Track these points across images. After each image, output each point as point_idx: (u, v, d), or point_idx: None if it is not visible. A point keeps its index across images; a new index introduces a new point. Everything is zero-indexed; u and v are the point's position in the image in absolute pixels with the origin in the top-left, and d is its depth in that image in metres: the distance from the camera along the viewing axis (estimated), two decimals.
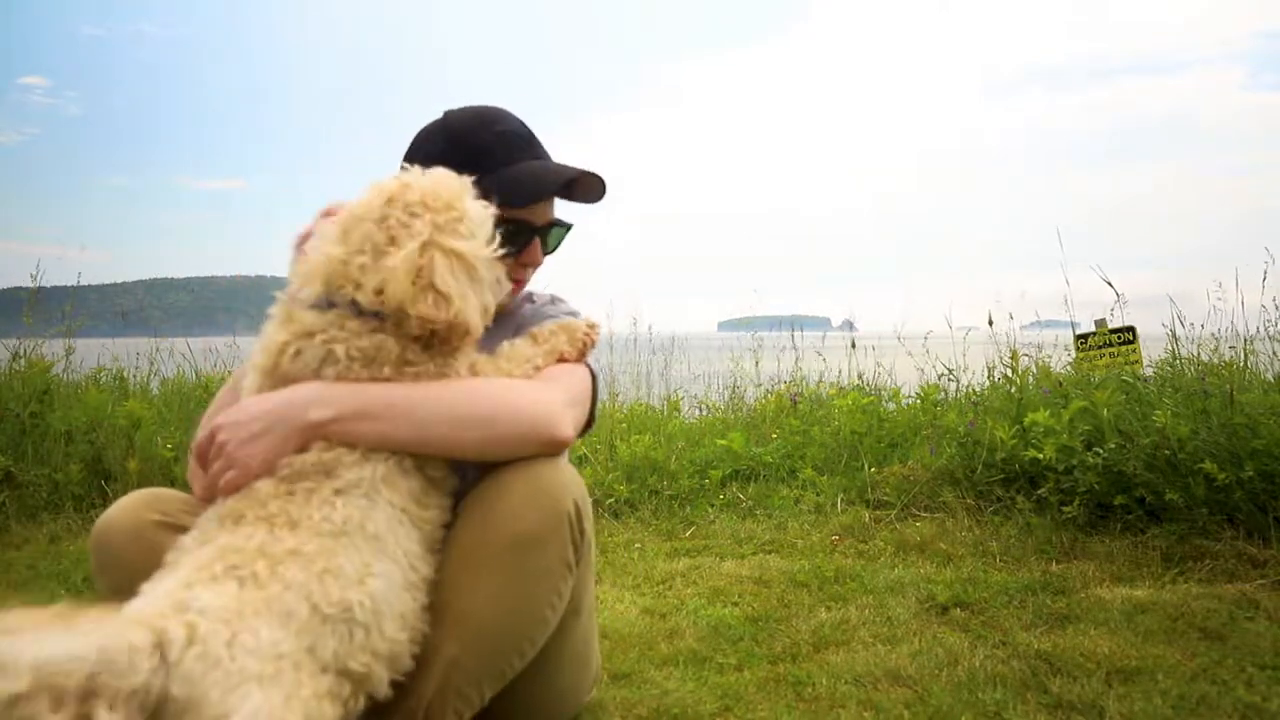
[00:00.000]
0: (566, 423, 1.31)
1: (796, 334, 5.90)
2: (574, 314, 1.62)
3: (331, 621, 1.07)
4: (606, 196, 1.57)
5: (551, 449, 1.30)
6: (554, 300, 1.67)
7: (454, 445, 1.25)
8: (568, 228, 1.60)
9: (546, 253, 1.57)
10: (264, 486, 1.18)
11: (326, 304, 1.24)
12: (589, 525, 1.34)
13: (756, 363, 5.70)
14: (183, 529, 1.28)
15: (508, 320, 1.61)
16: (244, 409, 1.22)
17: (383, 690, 1.15)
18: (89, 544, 1.34)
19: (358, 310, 1.23)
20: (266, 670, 0.98)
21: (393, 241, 1.22)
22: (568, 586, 1.32)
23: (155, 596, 1.04)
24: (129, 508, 1.33)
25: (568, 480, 1.29)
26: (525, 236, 1.51)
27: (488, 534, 1.25)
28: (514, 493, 1.26)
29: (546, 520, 1.26)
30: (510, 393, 1.31)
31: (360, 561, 1.13)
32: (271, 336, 1.26)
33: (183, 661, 0.94)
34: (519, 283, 1.55)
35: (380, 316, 1.24)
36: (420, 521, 1.24)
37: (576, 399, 1.38)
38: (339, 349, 1.22)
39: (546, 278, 1.78)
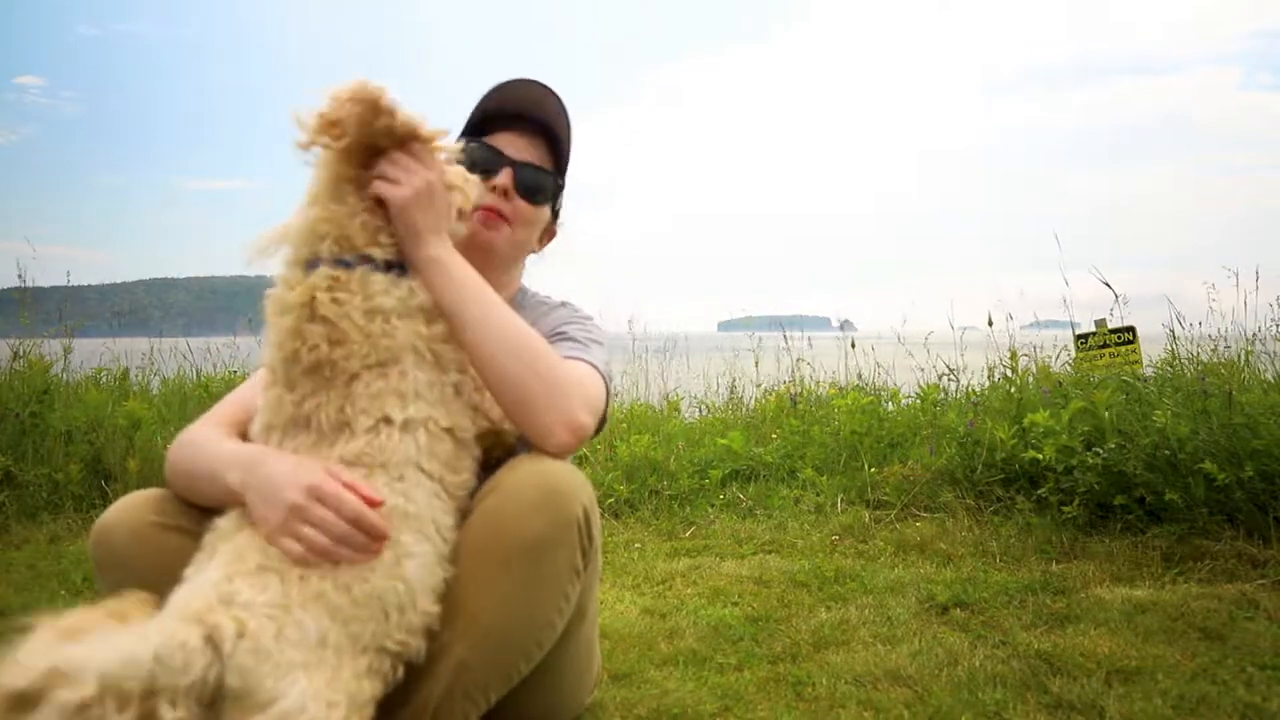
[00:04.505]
0: (587, 415, 1.32)
1: (791, 334, 5.90)
2: (587, 318, 1.63)
3: (369, 608, 1.12)
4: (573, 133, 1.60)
5: (566, 430, 1.29)
6: (564, 304, 1.68)
7: (494, 366, 1.28)
8: (550, 175, 1.60)
9: (527, 195, 1.56)
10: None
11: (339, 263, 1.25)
12: (597, 531, 1.33)
13: (756, 362, 5.69)
14: (181, 530, 1.29)
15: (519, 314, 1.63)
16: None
17: (421, 657, 1.20)
18: (89, 544, 1.34)
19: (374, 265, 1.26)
20: (310, 658, 1.05)
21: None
22: (575, 591, 1.32)
23: (200, 588, 1.08)
24: (129, 508, 1.33)
25: (577, 485, 1.28)
26: (494, 160, 1.55)
27: (497, 537, 1.24)
28: (524, 496, 1.24)
29: (556, 525, 1.25)
30: (563, 361, 1.36)
31: (394, 545, 1.17)
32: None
33: (235, 654, 1.01)
34: (492, 213, 1.54)
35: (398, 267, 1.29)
36: (453, 488, 1.27)
37: (593, 400, 1.39)
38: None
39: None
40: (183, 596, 1.07)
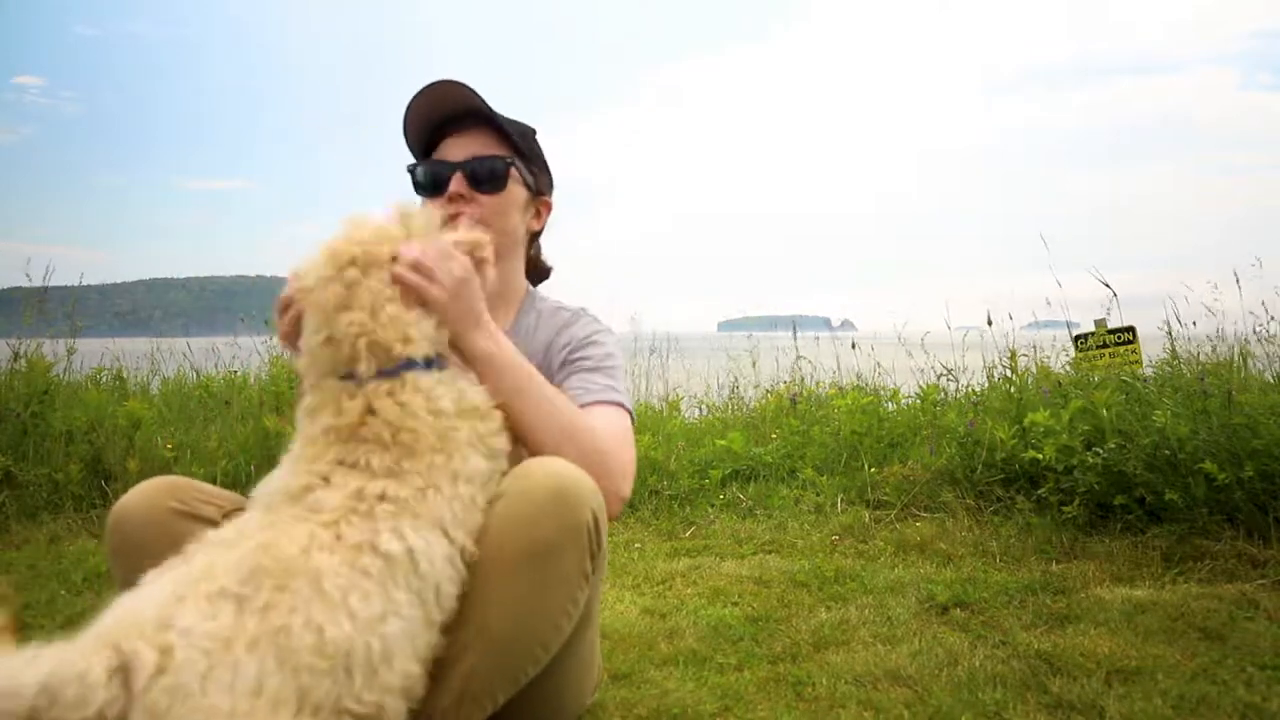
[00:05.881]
0: (627, 483, 1.42)
1: (788, 334, 5.92)
2: (608, 331, 1.62)
3: (331, 660, 0.99)
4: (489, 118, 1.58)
5: (611, 503, 1.37)
6: (582, 310, 1.67)
7: (542, 446, 1.35)
8: (499, 159, 1.57)
9: (482, 187, 1.56)
10: (335, 494, 1.13)
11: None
12: (605, 536, 1.34)
13: (754, 363, 5.70)
14: (199, 518, 1.30)
15: (536, 321, 1.64)
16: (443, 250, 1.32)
17: (402, 719, 1.12)
18: (106, 528, 1.35)
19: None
20: (239, 708, 0.91)
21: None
22: (583, 596, 1.32)
23: (139, 602, 0.97)
24: (147, 494, 1.34)
25: (587, 491, 1.29)
26: (441, 171, 1.56)
27: (507, 541, 1.24)
28: (533, 500, 1.25)
29: (566, 530, 1.25)
30: (598, 429, 1.42)
31: (386, 600, 1.07)
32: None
33: (150, 690, 0.88)
34: (461, 219, 1.54)
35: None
36: (469, 556, 1.23)
37: (630, 463, 1.46)
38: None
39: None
40: (117, 610, 0.97)
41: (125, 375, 5.04)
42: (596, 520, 1.29)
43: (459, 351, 1.33)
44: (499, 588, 1.23)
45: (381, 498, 1.14)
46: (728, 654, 2.07)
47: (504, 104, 1.61)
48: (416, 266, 1.26)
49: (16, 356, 4.35)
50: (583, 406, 1.46)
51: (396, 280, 1.25)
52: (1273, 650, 1.95)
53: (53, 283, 5.03)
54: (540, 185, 1.67)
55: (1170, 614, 2.20)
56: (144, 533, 1.29)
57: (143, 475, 3.72)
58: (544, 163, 1.69)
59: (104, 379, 4.90)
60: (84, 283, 5.38)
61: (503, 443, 1.31)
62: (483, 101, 1.58)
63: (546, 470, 1.28)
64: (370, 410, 1.19)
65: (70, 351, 4.68)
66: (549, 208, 1.71)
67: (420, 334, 1.25)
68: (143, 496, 1.33)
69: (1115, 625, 2.15)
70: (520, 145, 1.61)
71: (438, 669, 1.22)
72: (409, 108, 1.58)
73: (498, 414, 1.31)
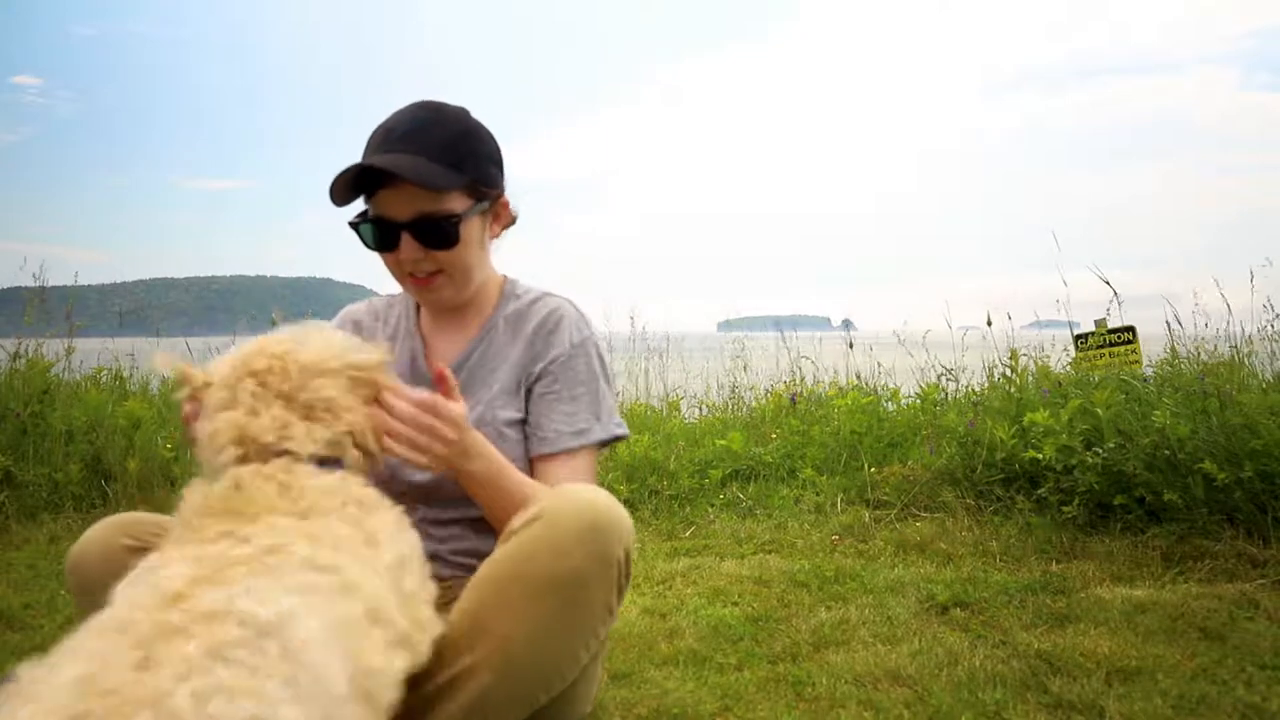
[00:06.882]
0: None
1: (789, 334, 5.93)
2: (587, 338, 1.56)
3: None
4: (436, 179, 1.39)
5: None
6: (563, 305, 1.58)
7: (503, 517, 1.34)
8: (444, 218, 1.41)
9: (436, 246, 1.43)
10: (174, 566, 0.91)
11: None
12: (631, 571, 1.32)
13: (745, 366, 5.70)
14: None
15: (515, 320, 1.57)
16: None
17: None
18: (65, 570, 1.35)
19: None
20: None
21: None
22: (606, 630, 1.31)
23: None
24: (101, 534, 1.33)
25: (621, 523, 1.27)
26: (387, 233, 1.43)
27: (535, 566, 1.22)
28: (566, 528, 1.23)
29: (596, 561, 1.23)
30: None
31: (256, 699, 0.75)
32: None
33: None
34: (422, 281, 1.47)
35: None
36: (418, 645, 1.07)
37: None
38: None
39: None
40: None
41: (125, 375, 5.04)
42: (627, 555, 1.28)
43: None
44: (523, 612, 1.21)
45: (227, 561, 0.91)
46: (728, 654, 2.07)
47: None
48: (418, 429, 1.24)
49: (16, 356, 4.35)
50: (552, 456, 1.48)
51: (393, 436, 1.22)
52: (1273, 650, 1.95)
53: (52, 283, 5.02)
54: (489, 188, 1.48)
55: (1170, 614, 2.20)
56: (101, 571, 1.26)
57: (143, 475, 3.74)
58: (485, 151, 1.48)
59: (104, 379, 4.89)
60: (84, 283, 5.37)
61: (389, 534, 1.11)
62: (437, 138, 1.41)
63: (583, 499, 1.26)
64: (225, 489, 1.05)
65: (70, 351, 4.68)
66: (506, 206, 1.55)
67: (305, 434, 1.13)
68: (97, 537, 1.32)
69: (1115, 625, 2.15)
70: (462, 172, 1.43)
71: (450, 679, 1.20)
72: (368, 152, 1.43)
73: (391, 509, 1.16)
